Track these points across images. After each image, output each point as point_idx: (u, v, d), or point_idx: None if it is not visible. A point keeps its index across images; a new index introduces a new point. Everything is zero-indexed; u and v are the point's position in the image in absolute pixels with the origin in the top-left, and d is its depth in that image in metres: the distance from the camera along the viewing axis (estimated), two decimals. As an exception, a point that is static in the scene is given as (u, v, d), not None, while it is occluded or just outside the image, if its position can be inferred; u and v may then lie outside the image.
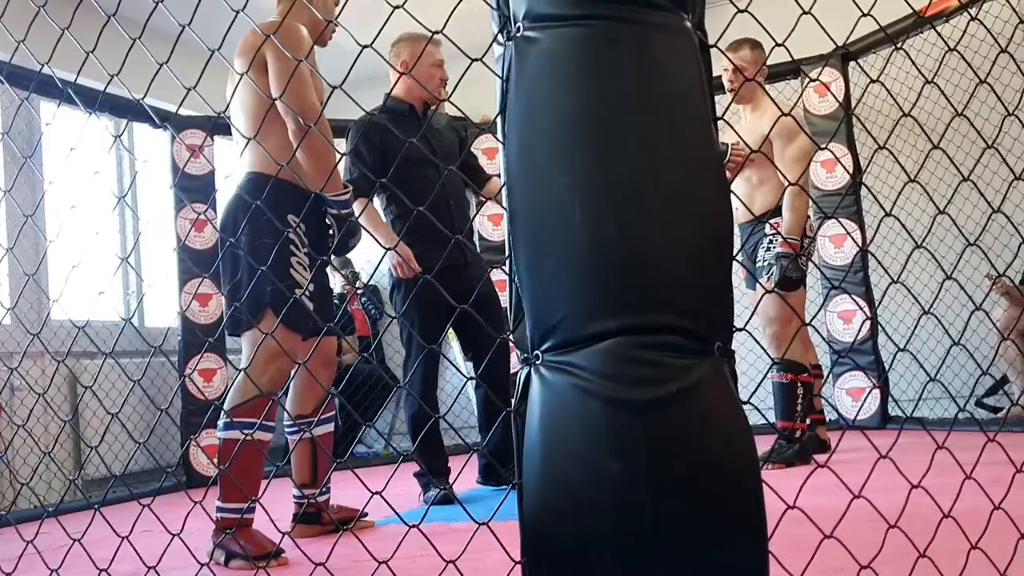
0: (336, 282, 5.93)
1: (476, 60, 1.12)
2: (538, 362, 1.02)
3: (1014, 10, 2.24)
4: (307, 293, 2.54)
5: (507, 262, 1.06)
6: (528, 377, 1.04)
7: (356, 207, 3.23)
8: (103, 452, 4.45)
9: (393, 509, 1.30)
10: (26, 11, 1.66)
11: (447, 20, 1.15)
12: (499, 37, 1.08)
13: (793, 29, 1.25)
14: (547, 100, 1.01)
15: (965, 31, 1.56)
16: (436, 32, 1.11)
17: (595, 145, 0.99)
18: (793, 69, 4.87)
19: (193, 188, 4.73)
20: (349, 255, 6.13)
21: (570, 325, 0.99)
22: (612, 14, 1.00)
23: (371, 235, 3.16)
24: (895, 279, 1.39)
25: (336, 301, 5.92)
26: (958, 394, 4.41)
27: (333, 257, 6.10)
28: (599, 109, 1.00)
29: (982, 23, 1.62)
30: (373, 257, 5.84)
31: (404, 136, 2.24)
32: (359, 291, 6.16)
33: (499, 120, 1.07)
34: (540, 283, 1.01)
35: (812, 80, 4.52)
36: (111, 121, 4.49)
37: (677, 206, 1.00)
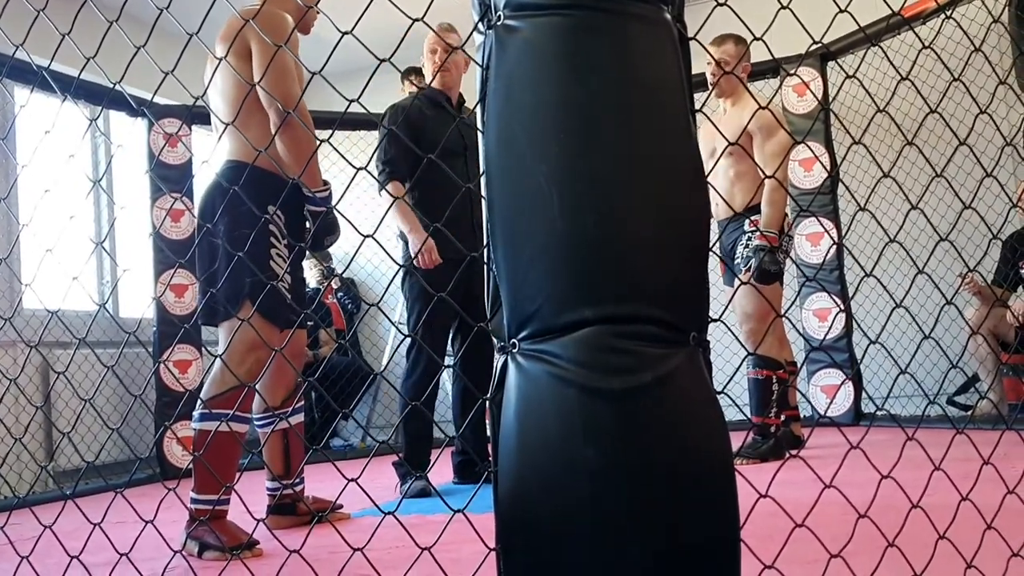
0: (312, 276, 5.91)
1: (456, 48, 1.12)
2: (515, 350, 1.02)
3: (989, 12, 2.27)
4: (285, 284, 2.53)
5: (486, 250, 1.06)
6: (505, 365, 1.04)
7: (391, 189, 3.25)
8: (75, 442, 4.41)
9: (369, 497, 1.30)
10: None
11: (427, 9, 1.15)
12: (480, 26, 1.08)
13: (771, 24, 1.26)
14: (526, 89, 1.01)
15: (939, 31, 1.57)
16: (416, 20, 1.11)
17: (574, 134, 0.99)
18: (773, 68, 4.91)
19: (170, 178, 4.68)
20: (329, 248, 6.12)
21: (547, 314, 0.99)
22: (592, 4, 1.00)
23: (397, 222, 3.20)
24: (868, 272, 1.40)
25: (311, 294, 5.90)
26: (929, 391, 4.46)
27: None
28: (578, 98, 1.00)
29: (958, 23, 1.63)
30: (350, 250, 5.82)
31: (437, 125, 2.23)
32: (336, 285, 6.14)
33: (479, 108, 1.07)
34: (517, 271, 1.02)
35: (789, 74, 4.55)
36: (87, 108, 4.44)
37: (654, 196, 1.00)
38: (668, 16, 1.04)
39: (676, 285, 1.01)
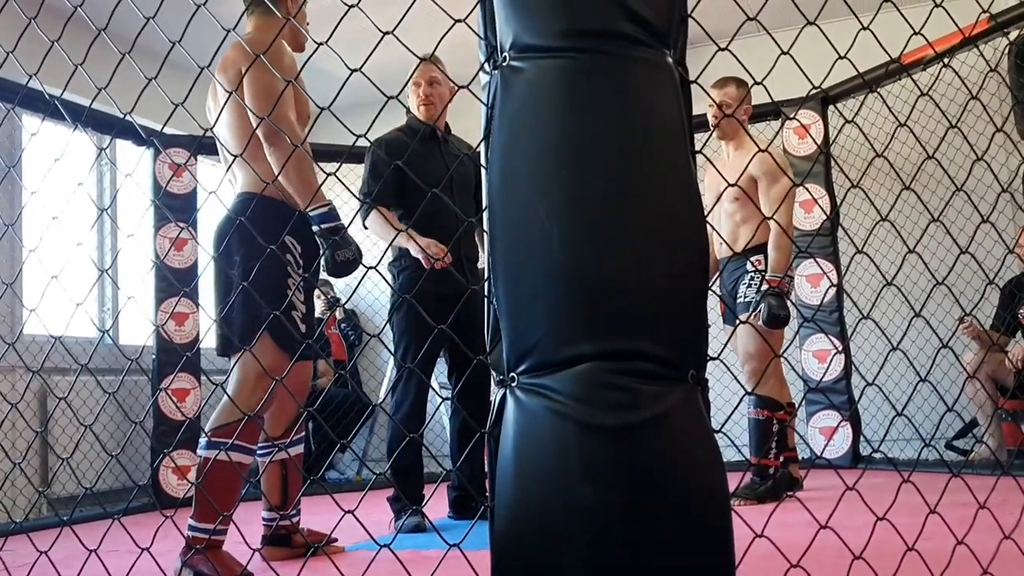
0: (316, 305, 5.92)
1: (462, 87, 1.14)
2: (513, 384, 1.03)
3: (987, 62, 2.31)
4: (299, 315, 2.54)
5: (486, 284, 1.07)
6: (503, 399, 1.05)
7: (373, 215, 3.21)
8: (72, 469, 4.39)
9: (366, 529, 1.30)
10: (13, 23, 1.68)
11: (435, 48, 1.17)
12: (485, 66, 1.10)
13: (771, 69, 1.29)
14: (530, 128, 1.04)
15: (937, 77, 1.60)
16: (425, 57, 1.13)
17: (575, 173, 1.01)
18: (774, 111, 4.96)
19: (174, 207, 4.71)
20: (328, 279, 6.14)
21: (546, 348, 1.01)
22: (595, 47, 1.03)
23: (393, 240, 3.13)
24: (865, 315, 1.42)
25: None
26: (927, 435, 4.45)
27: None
28: (580, 139, 1.02)
29: (955, 72, 1.66)
30: (352, 281, 5.84)
31: (423, 157, 2.17)
32: (339, 315, 6.15)
33: (483, 146, 1.09)
34: (517, 305, 1.03)
35: (789, 118, 4.60)
36: (95, 136, 4.49)
37: (654, 235, 1.02)
38: (670, 60, 1.06)
39: (675, 323, 1.03)
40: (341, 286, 6.17)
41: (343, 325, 6.16)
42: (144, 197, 4.83)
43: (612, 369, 0.99)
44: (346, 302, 6.07)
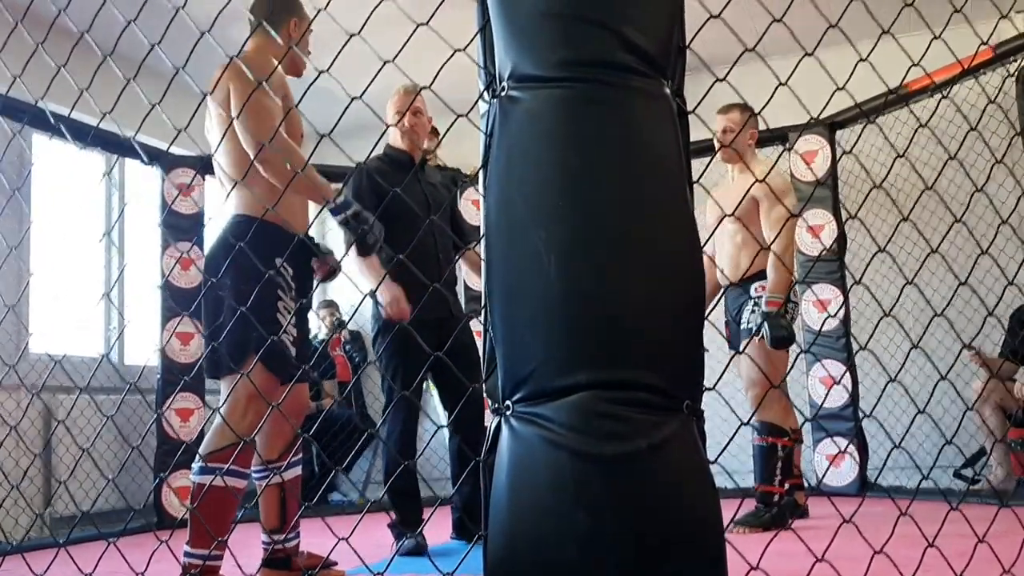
0: (321, 327, 5.92)
1: (461, 116, 1.15)
2: (508, 412, 1.03)
3: (985, 93, 2.30)
4: (290, 338, 2.54)
5: (483, 312, 1.07)
6: (498, 427, 1.05)
7: (350, 252, 3.24)
8: (73, 489, 4.38)
9: (357, 555, 1.29)
10: (20, 46, 1.69)
11: (435, 76, 1.18)
12: (485, 95, 1.11)
13: (770, 99, 1.29)
14: (527, 156, 1.04)
15: (935, 112, 1.61)
16: (423, 87, 1.14)
17: (572, 202, 1.01)
18: (782, 135, 4.97)
19: (181, 227, 4.73)
20: (335, 299, 6.15)
21: (541, 377, 1.00)
22: (593, 77, 1.03)
23: (361, 278, 3.17)
24: (862, 346, 1.41)
25: (317, 346, 5.90)
26: (933, 464, 4.41)
27: (319, 301, 6.12)
28: (577, 168, 1.02)
29: (953, 102, 1.67)
30: (356, 303, 5.84)
31: (401, 186, 2.23)
32: (345, 337, 6.15)
33: (481, 173, 1.10)
34: (513, 334, 1.03)
35: (788, 148, 4.61)
36: (102, 156, 4.51)
37: (650, 264, 1.01)
38: (667, 90, 1.06)
39: (670, 353, 1.02)
40: (347, 307, 6.17)
41: (348, 347, 6.16)
42: (151, 215, 4.85)
43: (608, 399, 0.98)
44: (348, 321, 6.08)
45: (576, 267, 1.00)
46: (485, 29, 1.10)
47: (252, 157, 2.39)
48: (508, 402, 1.03)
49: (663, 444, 0.98)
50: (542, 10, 1.04)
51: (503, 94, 1.06)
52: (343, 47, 1.21)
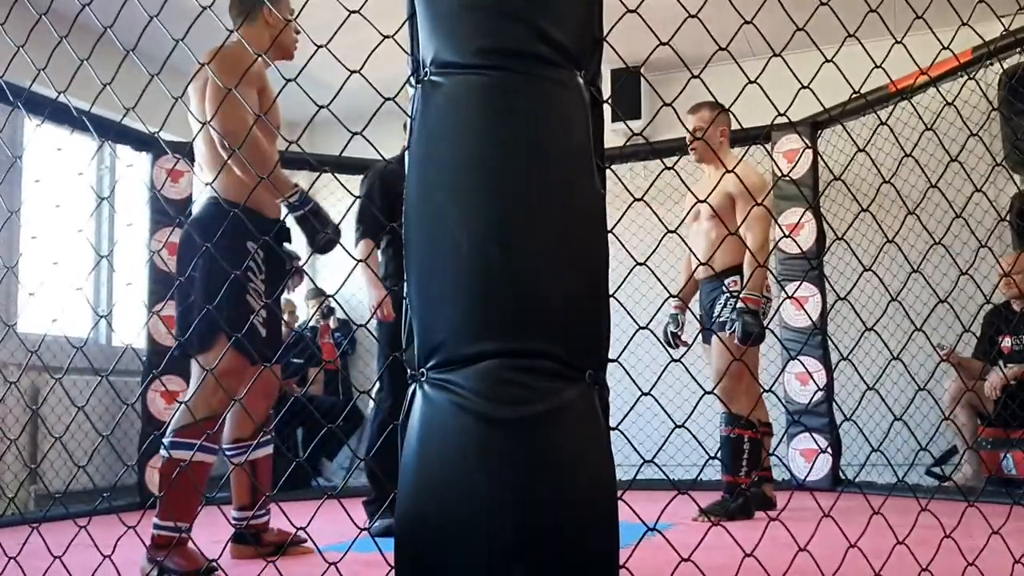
0: (312, 314, 6.00)
1: (388, 99, 1.22)
2: (422, 379, 1.10)
3: (947, 102, 2.37)
4: (260, 320, 2.60)
5: (403, 285, 1.14)
6: (413, 393, 1.11)
7: (362, 247, 3.38)
8: (59, 467, 4.46)
9: (313, 541, 1.36)
10: (12, 29, 1.76)
11: (364, 62, 1.24)
12: (411, 80, 1.17)
13: (739, 95, 1.36)
14: (445, 139, 1.11)
15: (898, 110, 1.67)
16: (354, 71, 1.20)
17: (485, 183, 1.08)
18: (765, 134, 5.03)
19: (169, 212, 4.80)
20: (324, 288, 6.22)
21: (452, 345, 1.07)
22: (509, 66, 1.10)
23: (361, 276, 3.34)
24: (844, 356, 1.49)
25: (308, 334, 5.98)
26: (905, 461, 4.48)
27: (308, 290, 6.19)
28: (491, 151, 1.09)
29: (916, 109, 1.73)
30: (346, 292, 5.92)
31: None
32: (333, 324, 6.22)
33: (406, 155, 1.16)
34: (428, 306, 1.10)
35: (764, 147, 4.66)
36: (93, 141, 4.58)
37: (556, 243, 1.08)
38: (580, 80, 1.13)
39: (574, 325, 1.09)
40: (339, 297, 6.25)
41: (336, 334, 6.23)
42: (141, 201, 4.92)
43: (511, 366, 1.05)
44: (333, 309, 6.14)
45: (486, 244, 1.07)
46: (412, 18, 1.16)
47: (219, 146, 2.47)
48: (423, 369, 1.10)
49: (561, 410, 1.04)
50: (463, 1, 1.11)
51: (426, 79, 1.13)
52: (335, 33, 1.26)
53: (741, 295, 3.62)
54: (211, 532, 2.80)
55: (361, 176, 3.71)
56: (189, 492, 2.46)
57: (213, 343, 2.47)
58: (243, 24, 2.68)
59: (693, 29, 1.28)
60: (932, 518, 1.47)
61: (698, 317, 3.89)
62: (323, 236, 2.54)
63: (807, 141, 4.97)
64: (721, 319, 3.70)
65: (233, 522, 2.84)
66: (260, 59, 2.64)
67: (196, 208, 2.64)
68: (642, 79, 1.25)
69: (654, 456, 1.16)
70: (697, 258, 3.64)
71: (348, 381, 6.13)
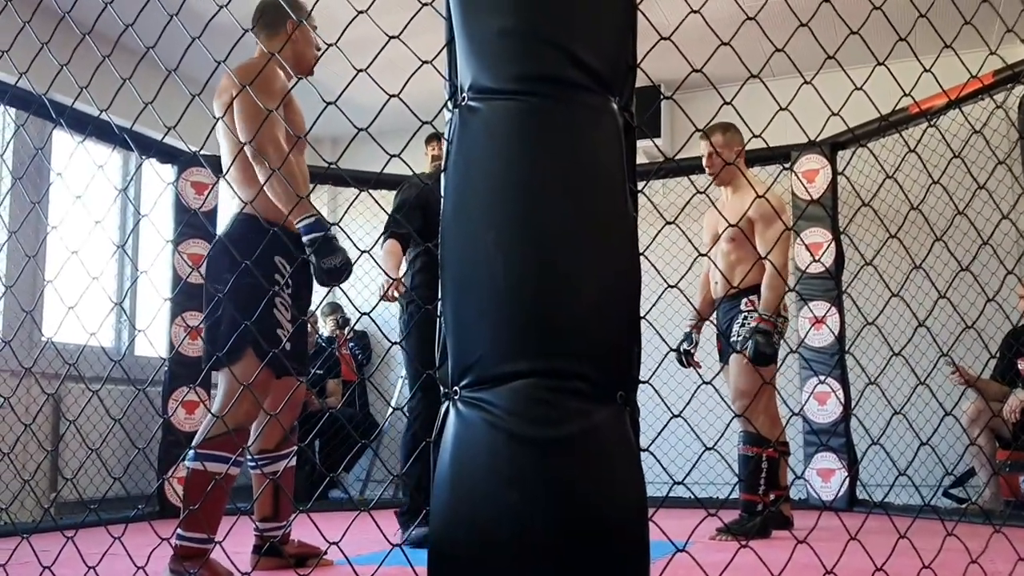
0: (327, 326, 6.05)
1: (426, 123, 1.25)
2: (456, 397, 1.12)
3: (971, 124, 2.38)
4: (286, 333, 2.64)
5: (438, 304, 1.16)
6: (447, 411, 1.14)
7: (388, 245, 3.47)
8: (80, 475, 4.50)
9: (344, 554, 1.38)
10: (28, 40, 1.80)
11: (403, 86, 1.27)
12: (448, 104, 1.20)
13: (770, 121, 1.38)
14: (482, 163, 1.13)
15: (925, 132, 1.69)
16: (392, 96, 1.23)
17: (520, 206, 1.11)
18: (784, 154, 5.05)
19: (196, 223, 4.86)
20: (339, 301, 6.26)
21: (486, 364, 1.10)
22: (545, 92, 1.12)
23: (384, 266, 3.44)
24: (872, 380, 1.50)
25: (324, 344, 6.02)
26: (923, 482, 4.46)
27: (325, 304, 6.23)
28: (527, 175, 1.11)
29: (939, 131, 1.75)
30: (360, 304, 5.95)
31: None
32: (349, 336, 6.25)
33: (443, 178, 1.19)
34: (463, 325, 1.12)
35: (786, 168, 4.68)
36: (120, 154, 4.65)
37: (589, 266, 1.11)
38: (615, 106, 1.16)
39: (607, 347, 1.11)
40: (351, 307, 6.29)
41: (352, 346, 6.27)
42: (167, 214, 4.98)
43: (545, 386, 1.07)
44: (356, 323, 6.18)
45: (522, 265, 1.09)
46: (451, 44, 1.19)
47: (252, 161, 2.52)
48: (456, 387, 1.12)
49: (593, 430, 1.06)
50: (500, 27, 1.13)
51: (463, 104, 1.16)
52: (381, 49, 1.30)
53: (756, 315, 3.63)
54: (231, 543, 2.83)
55: (394, 192, 3.85)
56: (212, 504, 2.48)
57: (241, 355, 2.50)
58: (267, 37, 2.73)
59: (711, 50, 1.30)
60: (953, 541, 1.47)
61: (715, 335, 3.90)
62: (328, 263, 2.46)
63: (827, 161, 4.98)
64: (739, 338, 3.71)
65: (255, 534, 2.87)
66: (285, 74, 2.70)
67: (226, 222, 2.68)
68: (664, 98, 1.29)
69: (685, 477, 1.18)
70: (723, 276, 3.66)
71: (365, 395, 6.16)
